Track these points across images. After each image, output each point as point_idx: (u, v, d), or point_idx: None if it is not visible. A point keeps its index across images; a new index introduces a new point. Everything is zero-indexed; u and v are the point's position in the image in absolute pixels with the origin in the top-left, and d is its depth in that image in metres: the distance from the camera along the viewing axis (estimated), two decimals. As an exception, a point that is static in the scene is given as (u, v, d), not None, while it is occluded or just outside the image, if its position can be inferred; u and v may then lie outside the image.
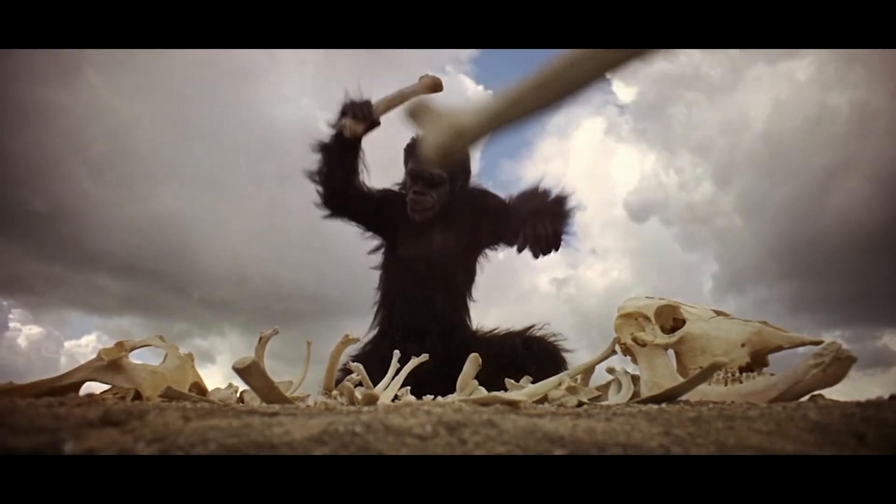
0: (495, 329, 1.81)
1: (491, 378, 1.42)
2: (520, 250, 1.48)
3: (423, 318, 1.74)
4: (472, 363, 0.93)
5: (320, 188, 1.77)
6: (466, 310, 1.86)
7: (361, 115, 1.59)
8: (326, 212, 1.82)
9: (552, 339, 1.72)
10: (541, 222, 1.48)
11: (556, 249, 1.49)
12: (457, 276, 1.82)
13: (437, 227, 1.80)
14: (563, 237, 1.53)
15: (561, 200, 1.68)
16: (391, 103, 1.62)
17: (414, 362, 1.11)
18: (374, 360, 1.61)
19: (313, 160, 1.76)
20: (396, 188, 1.91)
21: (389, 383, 1.04)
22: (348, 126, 1.59)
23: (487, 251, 1.90)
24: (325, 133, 1.73)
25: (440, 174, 1.76)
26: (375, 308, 1.87)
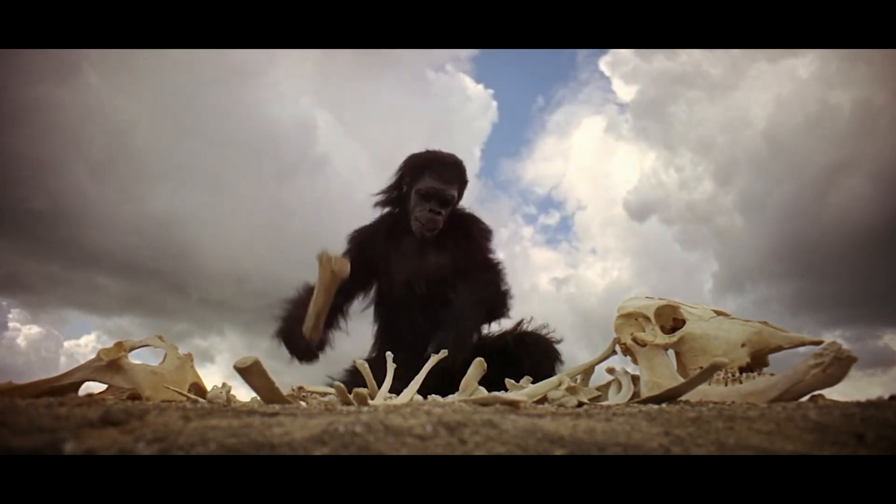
0: (487, 333, 1.82)
1: (488, 380, 1.47)
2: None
3: (428, 337, 1.69)
4: (478, 367, 0.93)
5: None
6: None
7: (308, 356, 1.56)
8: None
9: (543, 331, 1.75)
10: (457, 341, 1.50)
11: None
12: (455, 288, 1.79)
13: (430, 247, 1.81)
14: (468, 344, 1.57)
15: (498, 301, 1.71)
16: (318, 318, 1.46)
17: (434, 360, 1.10)
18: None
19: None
20: (380, 203, 1.89)
21: (390, 385, 1.04)
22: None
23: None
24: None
25: (453, 194, 1.79)
26: (376, 334, 1.87)
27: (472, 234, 1.87)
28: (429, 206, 1.75)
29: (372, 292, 1.89)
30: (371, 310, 1.90)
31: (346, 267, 1.40)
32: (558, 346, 1.74)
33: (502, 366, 1.55)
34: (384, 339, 1.83)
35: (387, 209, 1.89)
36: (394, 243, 1.83)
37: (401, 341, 1.75)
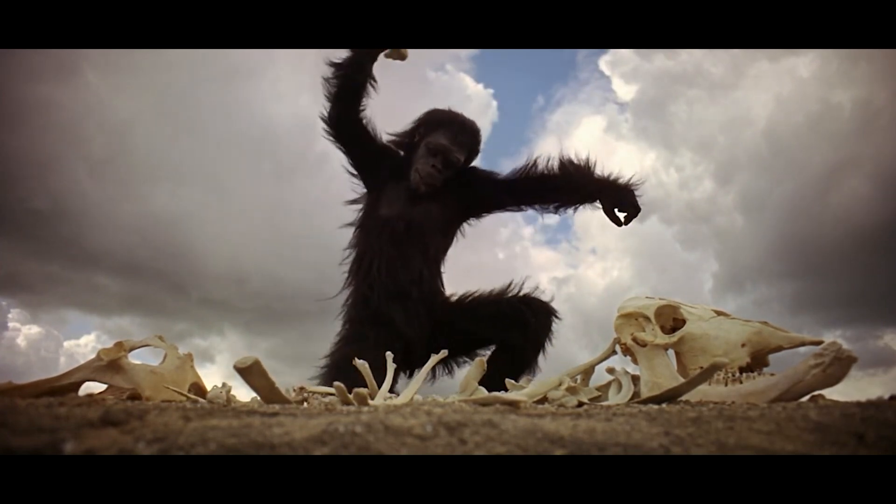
0: (475, 292, 1.84)
1: (497, 336, 1.69)
2: (615, 215, 1.72)
3: (403, 280, 1.76)
4: (478, 367, 0.93)
5: (328, 100, 1.82)
6: (441, 276, 1.90)
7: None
8: (328, 129, 1.85)
9: (537, 293, 1.81)
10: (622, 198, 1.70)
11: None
12: (435, 240, 1.85)
13: (433, 199, 1.82)
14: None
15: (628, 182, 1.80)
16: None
17: (434, 359, 1.10)
18: (361, 327, 1.70)
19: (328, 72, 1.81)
20: (391, 143, 1.92)
21: (390, 385, 1.04)
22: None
23: (472, 221, 1.96)
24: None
25: (460, 158, 1.80)
26: (350, 268, 1.86)
27: (478, 180, 1.89)
28: (432, 162, 1.76)
29: (360, 209, 1.90)
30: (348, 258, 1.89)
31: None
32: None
33: (508, 326, 1.69)
34: (357, 273, 1.82)
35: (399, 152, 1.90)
36: (394, 178, 1.84)
37: (375, 277, 1.75)
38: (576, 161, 1.78)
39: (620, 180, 1.72)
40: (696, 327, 0.95)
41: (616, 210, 1.72)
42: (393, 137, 1.90)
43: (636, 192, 1.70)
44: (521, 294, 1.76)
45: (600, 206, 1.75)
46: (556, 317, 1.75)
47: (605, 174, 1.74)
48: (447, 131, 1.79)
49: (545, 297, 1.76)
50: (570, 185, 1.78)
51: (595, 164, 1.77)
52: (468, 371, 0.94)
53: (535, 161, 1.84)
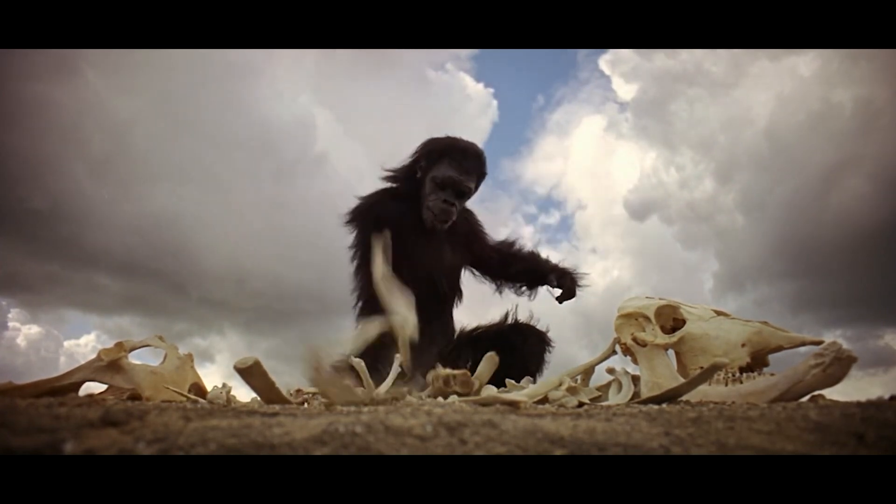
0: (477, 326, 1.88)
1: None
2: (557, 286, 1.80)
3: (435, 330, 1.72)
4: (489, 362, 0.92)
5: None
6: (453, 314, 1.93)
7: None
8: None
9: (531, 321, 1.83)
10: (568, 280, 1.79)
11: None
12: (460, 283, 1.86)
13: (445, 240, 1.77)
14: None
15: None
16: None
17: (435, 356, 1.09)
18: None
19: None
20: (387, 180, 1.81)
21: (391, 385, 1.04)
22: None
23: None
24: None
25: (470, 186, 1.72)
26: (363, 308, 1.74)
27: (477, 226, 1.90)
28: (443, 196, 1.68)
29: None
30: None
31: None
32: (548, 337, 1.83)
33: (500, 351, 1.64)
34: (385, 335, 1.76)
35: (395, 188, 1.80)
36: (408, 230, 1.72)
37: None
38: (542, 255, 1.91)
39: (570, 268, 1.84)
40: (696, 327, 0.95)
41: (559, 289, 1.79)
42: (389, 174, 1.79)
43: (578, 281, 1.81)
44: (522, 322, 1.79)
45: (549, 286, 1.83)
46: (550, 345, 1.76)
47: (560, 265, 1.86)
48: (451, 160, 1.70)
49: (541, 327, 1.80)
50: (534, 264, 1.87)
51: (559, 261, 1.90)
52: (480, 366, 0.94)
53: (514, 241, 1.94)
